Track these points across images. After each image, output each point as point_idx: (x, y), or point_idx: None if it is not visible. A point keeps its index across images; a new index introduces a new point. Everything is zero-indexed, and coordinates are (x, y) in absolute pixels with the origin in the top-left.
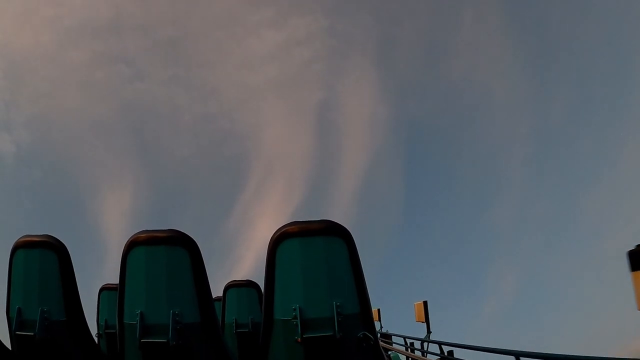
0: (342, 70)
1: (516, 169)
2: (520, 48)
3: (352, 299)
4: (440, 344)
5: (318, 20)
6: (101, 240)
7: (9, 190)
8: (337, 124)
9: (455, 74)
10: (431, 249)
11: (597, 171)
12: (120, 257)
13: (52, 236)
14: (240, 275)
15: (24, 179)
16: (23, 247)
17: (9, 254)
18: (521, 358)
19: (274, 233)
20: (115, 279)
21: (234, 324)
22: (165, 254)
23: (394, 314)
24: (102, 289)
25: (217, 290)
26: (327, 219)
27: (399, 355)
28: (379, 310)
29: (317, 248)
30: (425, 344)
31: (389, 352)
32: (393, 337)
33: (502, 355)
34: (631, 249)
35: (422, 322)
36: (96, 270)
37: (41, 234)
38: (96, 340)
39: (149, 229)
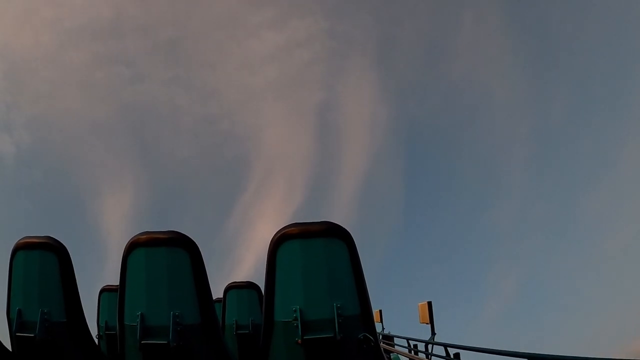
0: (342, 71)
1: (516, 169)
2: (520, 48)
3: (353, 301)
4: (446, 346)
5: (318, 22)
6: (101, 242)
7: (9, 192)
8: (337, 124)
9: (456, 74)
10: (432, 249)
11: (597, 171)
12: (121, 258)
13: (52, 237)
14: (240, 276)
15: (24, 180)
16: (23, 249)
17: (10, 255)
18: None
19: (274, 234)
20: (115, 281)
21: (234, 326)
22: (165, 255)
23: (396, 315)
24: (102, 291)
25: (217, 292)
26: (328, 220)
27: (401, 357)
28: (380, 311)
29: (317, 249)
30: (430, 346)
31: (391, 354)
32: (396, 338)
33: (513, 357)
34: None
35: (427, 323)
36: (96, 272)
37: (41, 235)
38: (96, 342)
39: (149, 230)
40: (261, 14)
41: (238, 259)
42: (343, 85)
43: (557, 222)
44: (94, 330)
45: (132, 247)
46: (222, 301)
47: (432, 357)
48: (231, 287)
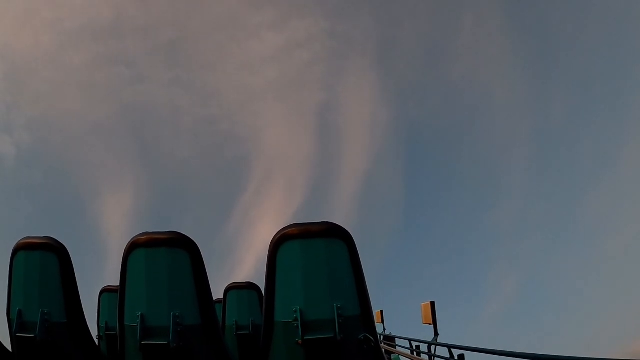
0: (343, 72)
1: (516, 169)
2: (520, 48)
3: (353, 301)
4: (450, 347)
5: (318, 22)
6: (102, 242)
7: (9, 192)
8: (337, 125)
9: (456, 74)
10: (432, 249)
11: (597, 171)
12: (121, 259)
13: (52, 238)
14: (240, 277)
15: (24, 181)
16: (24, 249)
17: (10, 256)
18: None
19: (275, 235)
20: (115, 281)
21: (234, 326)
22: (165, 256)
23: (398, 316)
24: (102, 291)
25: (217, 293)
26: (328, 220)
27: (403, 358)
28: (381, 312)
29: (317, 250)
30: (433, 347)
31: (392, 355)
32: (397, 339)
33: (521, 359)
34: None
35: (430, 323)
36: (97, 272)
37: (42, 235)
38: (97, 342)
39: (149, 230)
40: (261, 14)
41: (238, 259)
42: (343, 86)
43: (557, 222)
44: (94, 331)
45: (133, 247)
46: (222, 302)
47: (435, 358)
48: (231, 288)
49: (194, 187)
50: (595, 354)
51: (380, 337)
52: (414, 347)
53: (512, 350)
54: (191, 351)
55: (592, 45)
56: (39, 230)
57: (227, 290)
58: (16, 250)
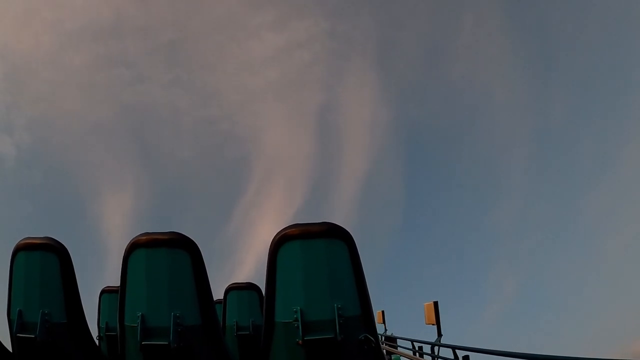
0: (343, 73)
1: (516, 169)
2: (520, 48)
3: (354, 301)
4: (454, 348)
5: (318, 23)
6: (102, 243)
7: (9, 193)
8: (337, 125)
9: (456, 75)
10: (432, 249)
11: (597, 171)
12: (121, 259)
13: (53, 238)
14: (241, 277)
15: (24, 181)
16: (24, 250)
17: (10, 256)
18: None
19: (275, 235)
20: (116, 282)
21: (234, 327)
22: (166, 256)
23: (399, 317)
24: (103, 292)
25: (218, 293)
26: (328, 221)
27: (402, 358)
28: (383, 312)
29: (318, 250)
30: (436, 348)
31: (392, 356)
32: (399, 340)
33: None
34: None
35: (433, 324)
36: (97, 273)
37: (42, 236)
38: (97, 343)
39: (150, 231)
40: (261, 15)
41: (238, 260)
42: (343, 86)
43: (557, 222)
44: (94, 332)
45: (133, 248)
46: (222, 302)
47: (438, 359)
48: (232, 288)
49: (194, 188)
50: (595, 354)
51: (381, 337)
52: (417, 348)
53: (514, 351)
54: (191, 351)
55: (592, 45)
56: (39, 231)
57: (228, 290)
58: (16, 251)
